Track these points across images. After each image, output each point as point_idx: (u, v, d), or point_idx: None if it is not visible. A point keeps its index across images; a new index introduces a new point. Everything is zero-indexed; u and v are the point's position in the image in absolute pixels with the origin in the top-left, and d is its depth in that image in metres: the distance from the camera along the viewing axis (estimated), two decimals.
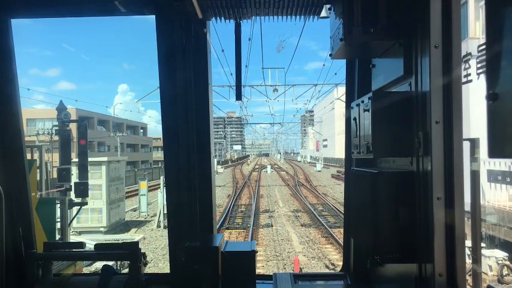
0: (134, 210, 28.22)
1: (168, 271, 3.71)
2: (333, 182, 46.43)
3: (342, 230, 12.13)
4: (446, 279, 2.39)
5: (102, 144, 74.63)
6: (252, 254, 3.59)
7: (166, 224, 20.65)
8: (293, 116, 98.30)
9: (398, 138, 2.80)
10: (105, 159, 22.57)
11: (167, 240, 3.87)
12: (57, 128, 12.37)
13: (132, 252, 3.37)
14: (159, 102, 3.70)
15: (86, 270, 12.36)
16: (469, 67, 15.74)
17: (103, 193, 21.22)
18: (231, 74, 26.44)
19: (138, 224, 24.09)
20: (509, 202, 15.08)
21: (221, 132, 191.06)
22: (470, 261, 7.92)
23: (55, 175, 13.15)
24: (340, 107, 53.91)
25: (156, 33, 3.57)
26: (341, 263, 4.68)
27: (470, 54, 15.93)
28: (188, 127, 3.79)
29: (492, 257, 13.03)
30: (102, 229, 20.97)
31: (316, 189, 38.92)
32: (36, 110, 63.35)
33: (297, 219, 23.86)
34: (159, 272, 12.37)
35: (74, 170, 13.08)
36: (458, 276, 2.37)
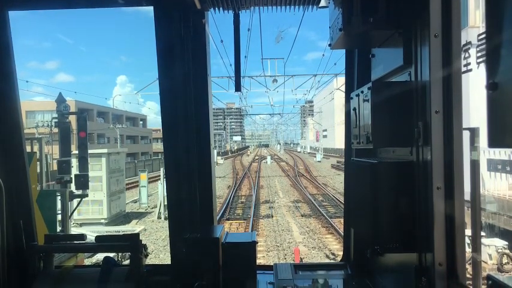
0: (135, 201, 28.31)
1: (169, 262, 3.72)
2: (333, 172, 46.50)
3: (342, 220, 12.18)
4: (446, 268, 2.40)
5: (101, 136, 74.54)
6: (253, 244, 3.59)
7: (166, 215, 20.72)
8: (293, 106, 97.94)
9: (398, 128, 2.80)
10: (105, 151, 22.58)
11: (168, 232, 3.88)
12: (56, 120, 12.38)
13: (133, 244, 3.39)
14: (158, 93, 3.69)
15: (87, 262, 12.41)
16: (469, 56, 15.66)
17: (103, 185, 21.27)
18: (230, 65, 26.38)
19: (139, 215, 24.17)
20: (509, 191, 15.12)
21: (221, 123, 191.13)
22: (470, 250, 7.95)
23: (55, 167, 13.17)
24: (340, 97, 53.78)
25: (155, 24, 3.54)
26: (341, 253, 4.70)
27: (470, 43, 15.81)
28: (188, 118, 3.77)
29: (492, 245, 13.08)
30: (102, 221, 21.06)
31: (316, 179, 38.98)
32: (36, 103, 63.16)
33: (297, 210, 23.94)
34: (160, 263, 12.43)
35: (74, 162, 13.09)
36: (458, 265, 2.37)
